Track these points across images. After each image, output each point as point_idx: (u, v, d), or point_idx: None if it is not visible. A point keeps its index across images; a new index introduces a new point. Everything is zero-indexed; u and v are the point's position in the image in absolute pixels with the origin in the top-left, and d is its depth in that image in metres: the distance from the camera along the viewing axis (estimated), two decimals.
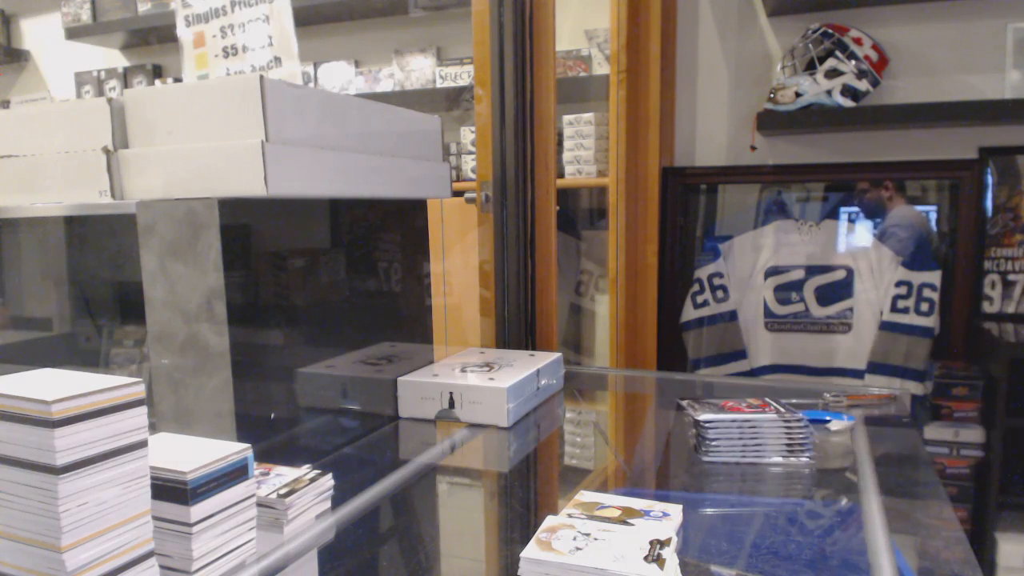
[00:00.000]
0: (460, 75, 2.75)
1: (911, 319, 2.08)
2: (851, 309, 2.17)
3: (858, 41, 2.05)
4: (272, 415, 1.04)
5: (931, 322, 2.06)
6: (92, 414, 0.58)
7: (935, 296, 2.07)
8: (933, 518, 0.91)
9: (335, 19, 2.93)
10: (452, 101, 2.85)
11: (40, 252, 1.24)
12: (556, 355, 1.46)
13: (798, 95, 2.05)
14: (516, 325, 1.67)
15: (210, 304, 0.93)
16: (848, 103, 2.04)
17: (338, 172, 1.06)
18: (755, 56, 2.29)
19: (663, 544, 0.69)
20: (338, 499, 0.90)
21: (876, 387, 1.45)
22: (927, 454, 1.13)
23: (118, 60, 3.43)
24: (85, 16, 3.15)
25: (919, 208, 2.17)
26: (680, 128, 2.39)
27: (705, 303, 2.31)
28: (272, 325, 1.05)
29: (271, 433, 1.04)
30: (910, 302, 2.08)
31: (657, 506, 0.81)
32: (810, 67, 2.08)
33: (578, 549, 0.68)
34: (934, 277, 2.08)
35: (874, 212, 2.19)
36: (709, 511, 0.94)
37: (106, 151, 0.98)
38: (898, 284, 2.10)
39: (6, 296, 1.27)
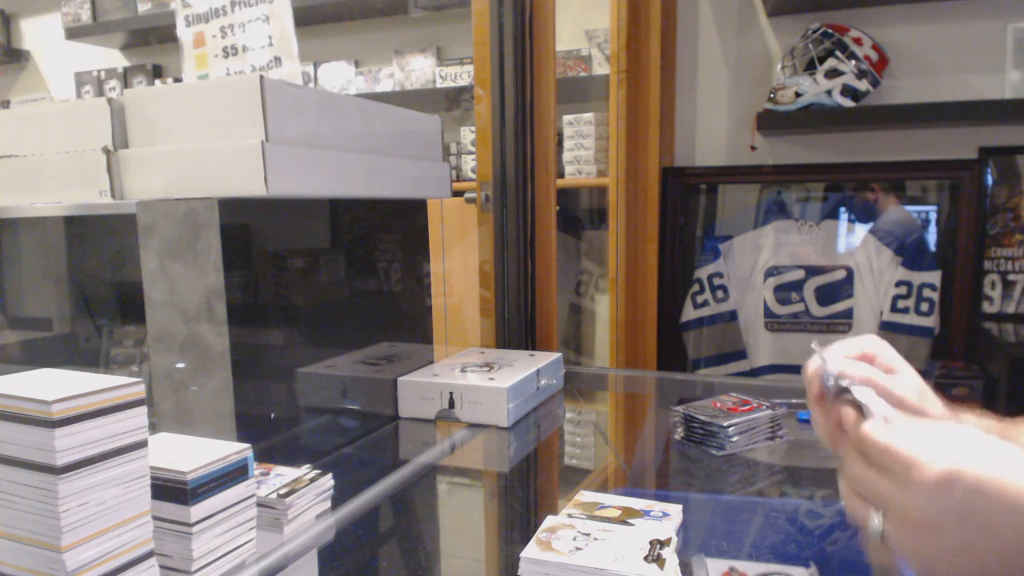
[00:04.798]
0: (460, 75, 2.75)
1: (911, 319, 2.08)
2: (851, 309, 2.17)
3: (858, 41, 2.05)
4: (272, 415, 1.04)
5: (931, 322, 2.06)
6: (92, 414, 0.58)
7: (935, 296, 2.07)
8: None
9: (335, 19, 2.93)
10: (452, 101, 2.85)
11: (40, 252, 1.24)
12: (556, 355, 1.46)
13: (798, 95, 2.05)
14: (516, 325, 1.67)
15: (210, 304, 0.93)
16: (848, 103, 2.04)
17: (338, 172, 1.06)
18: (755, 56, 2.29)
19: (663, 544, 0.69)
20: (338, 499, 0.90)
21: None
22: None
23: (118, 60, 3.43)
24: (85, 16, 3.15)
25: (912, 208, 2.17)
26: (680, 128, 2.39)
27: (705, 303, 2.31)
28: (272, 325, 1.05)
29: (271, 433, 1.04)
30: (910, 302, 2.08)
31: (657, 506, 0.81)
32: (810, 67, 2.08)
33: (578, 549, 0.68)
34: (934, 277, 2.08)
35: (870, 213, 2.19)
36: (709, 511, 0.94)
37: (106, 151, 0.98)
38: (898, 284, 2.10)
39: (6, 296, 1.27)
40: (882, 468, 0.50)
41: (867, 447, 0.52)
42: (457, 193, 1.62)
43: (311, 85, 2.96)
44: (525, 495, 1.06)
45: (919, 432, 0.51)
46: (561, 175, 2.43)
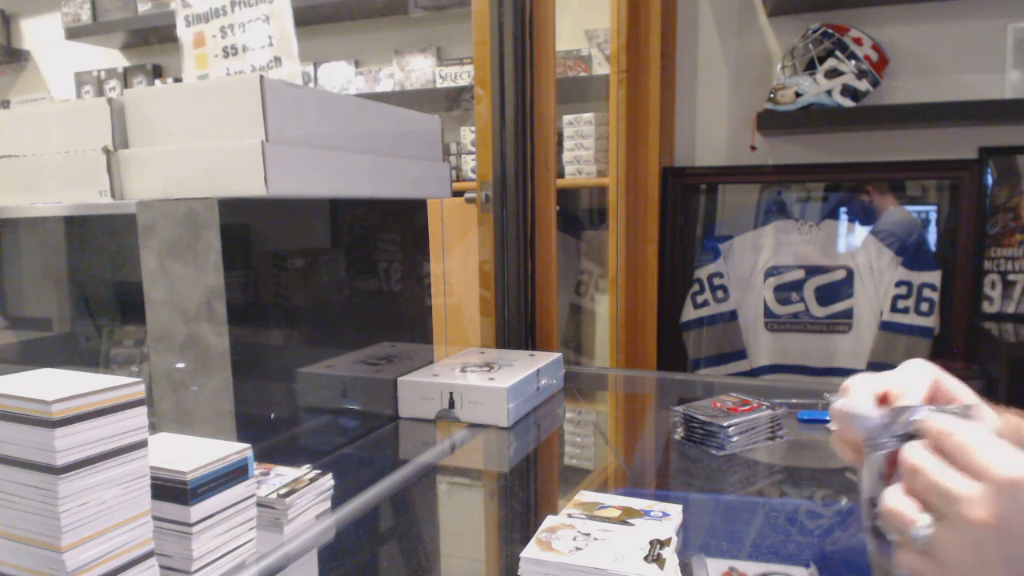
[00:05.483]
0: (460, 75, 2.75)
1: (911, 319, 2.08)
2: (851, 309, 2.17)
3: (858, 41, 2.05)
4: (272, 415, 1.04)
5: (931, 322, 2.06)
6: (92, 414, 0.58)
7: (935, 296, 2.07)
8: None
9: (335, 19, 2.93)
10: (452, 101, 2.85)
11: (40, 252, 1.24)
12: (556, 355, 1.46)
13: (798, 95, 2.05)
14: (516, 325, 1.67)
15: (210, 304, 0.93)
16: (848, 103, 2.04)
17: (338, 172, 1.06)
18: (755, 56, 2.29)
19: (663, 544, 0.69)
20: (338, 499, 0.90)
21: None
22: None
23: (118, 60, 3.43)
24: (85, 16, 3.15)
25: (912, 208, 2.17)
26: (680, 128, 2.39)
27: (705, 303, 2.31)
28: (272, 325, 1.05)
29: (271, 433, 1.04)
30: (910, 302, 2.08)
31: (657, 506, 0.81)
32: (810, 67, 2.08)
33: (578, 549, 0.68)
34: (934, 277, 2.08)
35: (869, 214, 2.19)
36: (709, 511, 0.94)
37: (106, 151, 0.98)
38: (898, 284, 2.10)
39: (6, 296, 1.27)
40: (956, 461, 0.51)
41: (946, 439, 0.52)
42: (457, 193, 1.62)
43: (311, 85, 2.96)
44: (525, 495, 1.06)
45: (998, 442, 0.51)
46: (561, 175, 2.43)
